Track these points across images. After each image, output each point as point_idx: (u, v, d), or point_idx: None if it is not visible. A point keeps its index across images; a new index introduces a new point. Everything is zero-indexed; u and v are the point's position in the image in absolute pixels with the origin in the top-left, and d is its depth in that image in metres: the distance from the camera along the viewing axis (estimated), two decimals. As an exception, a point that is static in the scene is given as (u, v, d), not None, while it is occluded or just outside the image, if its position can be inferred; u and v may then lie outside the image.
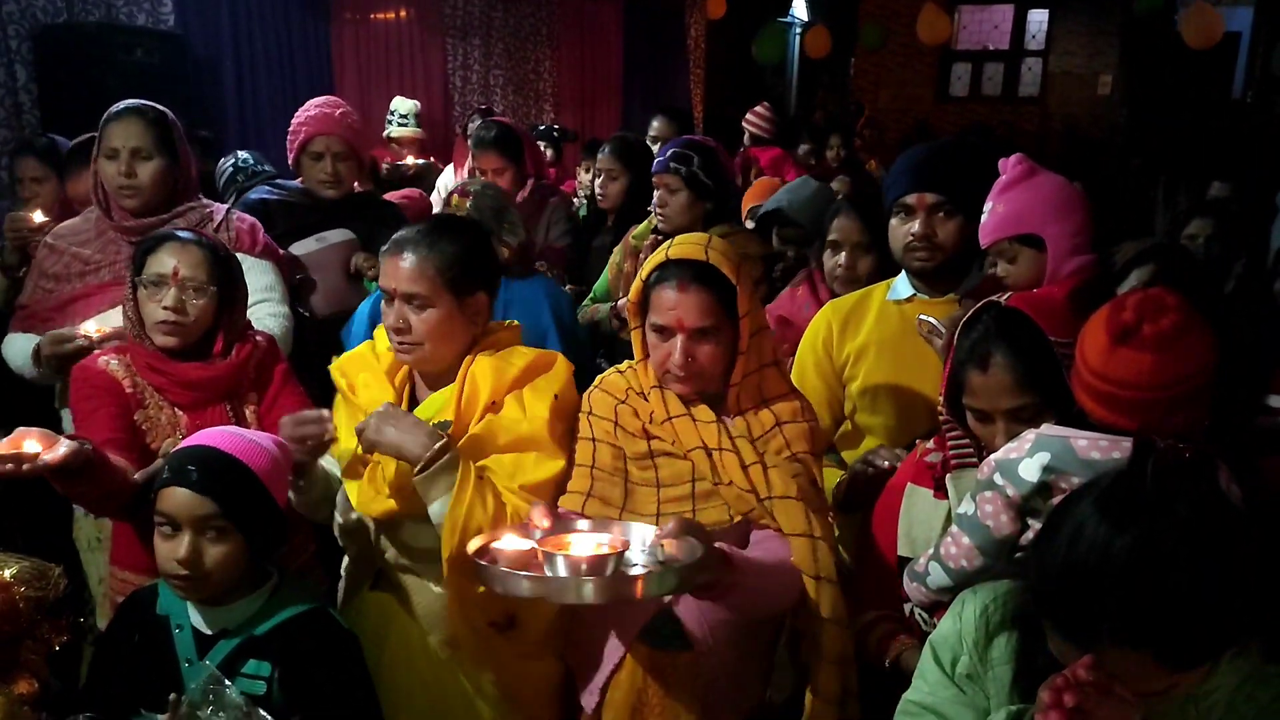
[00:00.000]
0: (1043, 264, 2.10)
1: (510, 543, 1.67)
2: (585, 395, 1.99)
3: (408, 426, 1.81)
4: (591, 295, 3.50)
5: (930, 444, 1.93)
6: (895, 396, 2.32)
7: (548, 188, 4.09)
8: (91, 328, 2.40)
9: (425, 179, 5.04)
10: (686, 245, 1.89)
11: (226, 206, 2.70)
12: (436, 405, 1.96)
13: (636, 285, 1.92)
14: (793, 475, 1.85)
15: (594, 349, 3.31)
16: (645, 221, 3.38)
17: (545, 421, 1.90)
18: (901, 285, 2.37)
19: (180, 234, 2.19)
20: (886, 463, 2.06)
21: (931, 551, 1.76)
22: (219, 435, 1.79)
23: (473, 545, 1.67)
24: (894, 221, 2.31)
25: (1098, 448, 1.53)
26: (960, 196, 2.23)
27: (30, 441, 1.76)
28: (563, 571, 1.54)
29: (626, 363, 2.02)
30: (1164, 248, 2.79)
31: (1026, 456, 1.59)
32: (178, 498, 1.69)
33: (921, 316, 2.19)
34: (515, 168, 3.68)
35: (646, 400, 1.93)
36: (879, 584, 1.93)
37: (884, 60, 11.84)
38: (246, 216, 2.74)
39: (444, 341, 1.96)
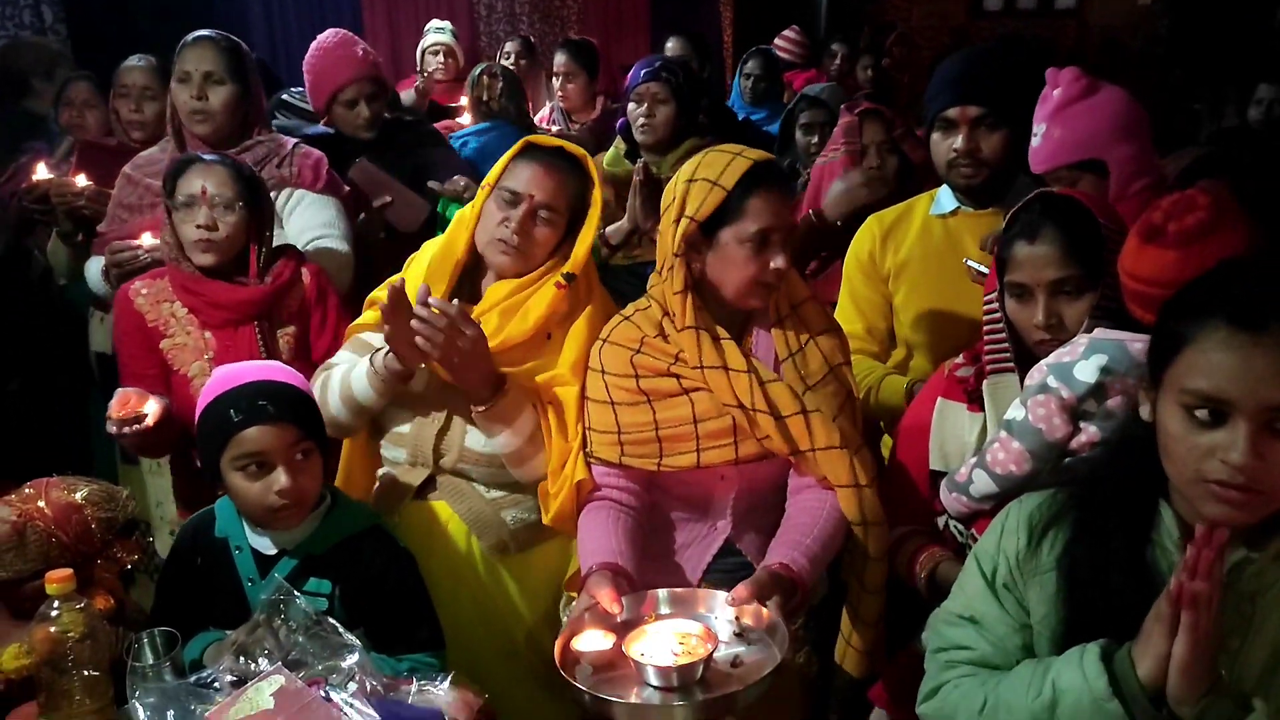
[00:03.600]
0: (1105, 189, 2.03)
1: (592, 640, 1.56)
2: (596, 350, 1.91)
3: (474, 361, 1.85)
4: None
5: (960, 359, 1.91)
6: (938, 313, 2.29)
7: (619, 112, 4.06)
8: (147, 239, 2.48)
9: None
10: (756, 151, 1.85)
11: (296, 140, 2.70)
12: (501, 293, 2.01)
13: (716, 197, 1.78)
14: (834, 416, 1.82)
15: None
16: (612, 148, 3.27)
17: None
18: (945, 198, 2.31)
19: (205, 156, 2.28)
20: None
21: (975, 460, 1.75)
22: (255, 369, 1.82)
23: (559, 643, 1.56)
24: (935, 136, 2.24)
25: None
26: (1004, 108, 2.15)
27: (151, 401, 2.02)
28: (654, 680, 1.47)
29: (634, 305, 1.94)
30: (1213, 156, 2.70)
31: (1082, 359, 1.60)
32: (263, 435, 1.71)
33: (968, 262, 2.14)
34: (585, 76, 3.69)
35: (667, 341, 1.86)
36: (908, 500, 1.92)
37: (916, -26, 11.50)
38: (314, 151, 2.72)
39: (547, 254, 2.03)
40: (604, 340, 1.91)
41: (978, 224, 2.25)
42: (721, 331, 1.84)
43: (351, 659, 1.50)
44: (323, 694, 1.43)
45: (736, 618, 1.60)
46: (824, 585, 1.95)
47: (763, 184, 1.78)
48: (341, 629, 1.53)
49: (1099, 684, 1.17)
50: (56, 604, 1.45)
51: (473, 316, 1.90)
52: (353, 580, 1.80)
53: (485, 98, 3.78)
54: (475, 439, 2.00)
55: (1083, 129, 2.01)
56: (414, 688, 1.53)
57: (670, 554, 1.92)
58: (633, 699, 1.46)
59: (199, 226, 2.19)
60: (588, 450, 1.90)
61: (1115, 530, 1.27)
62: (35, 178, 2.96)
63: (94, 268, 2.70)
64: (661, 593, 1.66)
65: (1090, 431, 1.62)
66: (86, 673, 1.45)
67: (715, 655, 1.51)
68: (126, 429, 2.01)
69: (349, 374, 1.98)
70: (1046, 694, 1.22)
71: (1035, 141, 2.07)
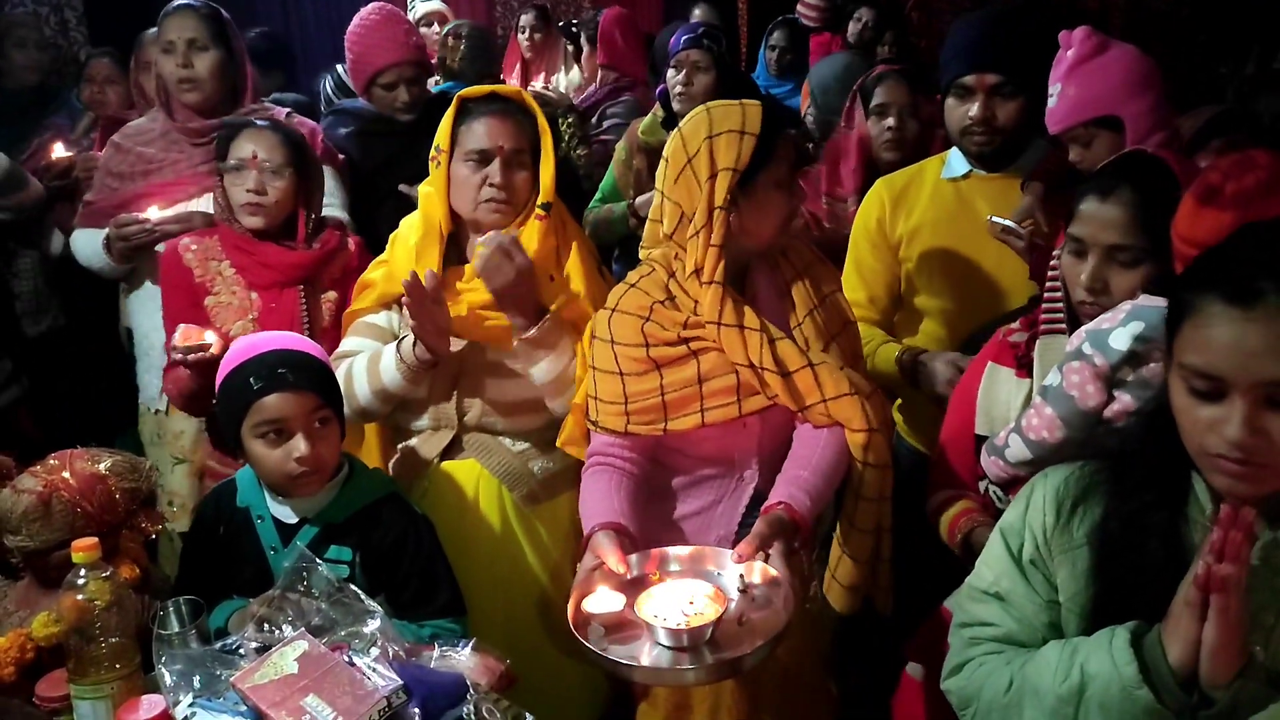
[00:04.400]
0: (1121, 145, 1.97)
1: (603, 601, 1.58)
2: (604, 320, 1.89)
3: (526, 287, 1.95)
4: (599, 196, 3.32)
5: (1017, 324, 1.87)
6: (953, 278, 2.26)
7: (627, 86, 4.02)
8: (154, 213, 2.49)
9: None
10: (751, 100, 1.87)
11: (288, 111, 2.71)
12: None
13: (749, 145, 1.78)
14: (841, 366, 1.83)
15: (606, 253, 3.16)
16: (650, 115, 3.24)
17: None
18: (956, 161, 2.28)
19: (258, 121, 2.33)
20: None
21: (1012, 425, 1.73)
22: (275, 339, 1.84)
23: (571, 603, 1.59)
24: (950, 101, 2.21)
25: None
26: (1022, 75, 2.12)
27: (209, 333, 2.10)
28: (664, 640, 1.50)
29: (637, 272, 1.95)
30: (1231, 113, 2.65)
31: (1119, 326, 1.55)
32: (282, 402, 1.73)
33: (992, 218, 2.10)
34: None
35: (676, 306, 1.86)
36: (954, 464, 1.91)
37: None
38: (307, 120, 2.75)
39: (528, 197, 2.07)
40: (613, 309, 1.89)
41: (990, 187, 2.23)
42: (733, 292, 1.84)
43: (373, 625, 1.52)
44: (346, 659, 1.45)
45: (743, 576, 1.61)
46: (831, 512, 1.95)
47: (780, 126, 1.83)
48: (363, 595, 1.54)
49: (1129, 670, 1.14)
50: (83, 573, 1.47)
51: (465, 277, 2.01)
52: (372, 547, 1.82)
53: (448, 60, 3.76)
54: (496, 389, 2.05)
55: (1096, 86, 1.97)
56: (436, 653, 1.54)
57: (701, 515, 1.93)
58: (644, 660, 1.48)
59: (249, 190, 2.25)
60: (593, 420, 1.91)
61: (1151, 504, 1.24)
62: (54, 155, 2.98)
63: (82, 239, 2.69)
64: (669, 551, 1.68)
65: (1125, 400, 1.57)
66: (114, 640, 1.47)
67: (726, 615, 1.53)
68: (191, 356, 2.08)
69: (377, 367, 2.01)
70: (1074, 678, 1.20)
71: (1051, 102, 2.03)
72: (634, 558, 1.66)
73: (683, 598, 1.55)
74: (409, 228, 2.14)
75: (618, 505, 1.76)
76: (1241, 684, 1.11)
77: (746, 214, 1.81)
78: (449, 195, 2.07)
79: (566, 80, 4.84)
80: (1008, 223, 2.06)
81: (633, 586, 1.61)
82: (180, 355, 2.10)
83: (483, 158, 2.03)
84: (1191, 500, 1.23)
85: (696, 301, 1.83)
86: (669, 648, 1.49)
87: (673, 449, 1.92)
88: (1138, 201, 1.64)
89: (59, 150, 3.00)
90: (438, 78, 3.88)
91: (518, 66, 4.92)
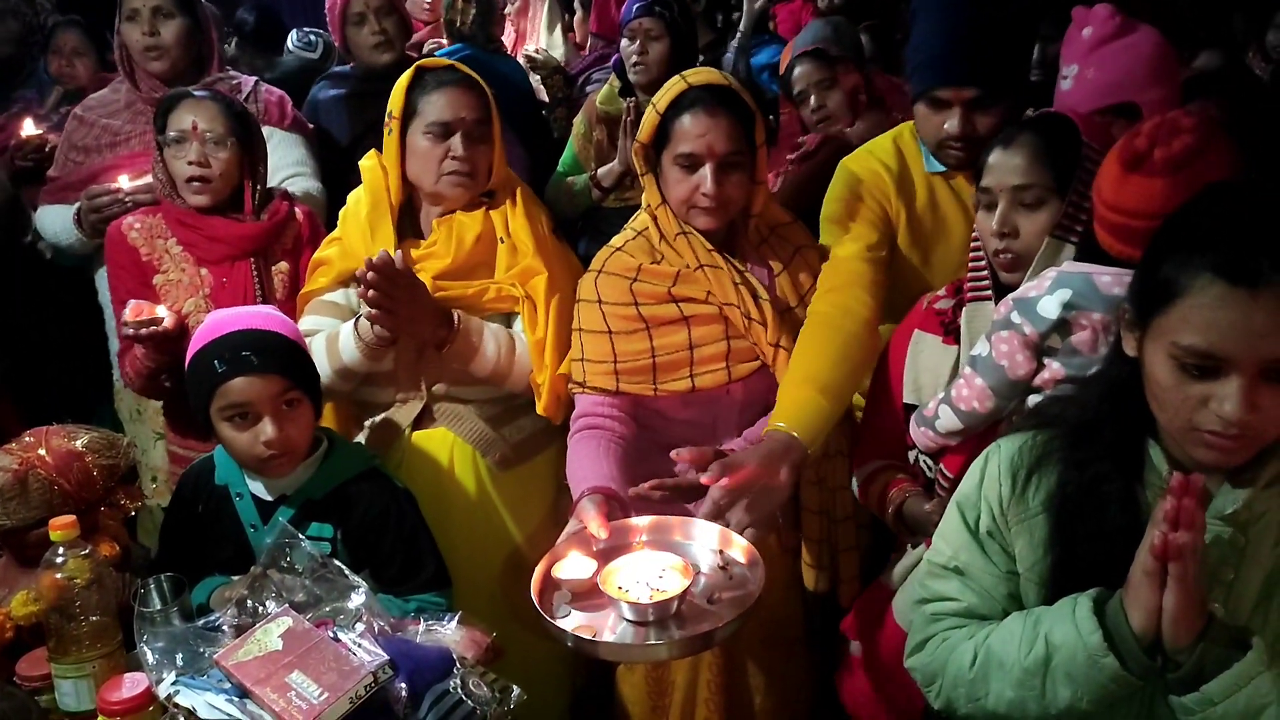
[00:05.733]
0: None
1: (575, 567, 1.56)
2: (590, 281, 1.94)
3: (418, 312, 1.91)
4: (560, 170, 3.21)
5: (942, 291, 1.87)
6: (917, 273, 2.10)
7: (614, 54, 3.99)
8: (125, 182, 2.43)
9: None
10: (704, 73, 1.89)
11: (255, 79, 2.67)
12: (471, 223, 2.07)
13: (651, 120, 1.88)
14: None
15: (571, 226, 3.10)
16: (606, 86, 3.19)
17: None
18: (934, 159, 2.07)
19: (195, 91, 2.25)
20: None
21: (941, 395, 1.72)
22: (244, 318, 1.80)
23: (539, 569, 1.55)
24: (923, 109, 1.99)
25: (1120, 283, 1.46)
26: (1001, 83, 1.94)
27: (161, 307, 2.04)
28: (629, 615, 1.46)
29: (621, 236, 1.98)
30: (1210, 74, 2.60)
31: (1046, 294, 1.54)
32: (247, 386, 1.70)
33: None
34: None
35: (664, 262, 1.90)
36: (885, 433, 1.90)
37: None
38: (275, 89, 2.71)
39: (489, 167, 2.08)
40: (599, 271, 1.92)
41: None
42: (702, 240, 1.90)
43: (358, 600, 1.51)
44: (330, 634, 1.44)
45: (720, 550, 1.60)
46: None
47: (689, 108, 1.84)
48: (347, 570, 1.53)
49: (1093, 639, 1.15)
50: (62, 551, 1.46)
51: (420, 248, 2.03)
52: (353, 523, 1.80)
53: (457, 21, 3.73)
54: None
55: (1119, 70, 1.87)
56: (422, 627, 1.54)
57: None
58: (607, 635, 1.46)
59: (191, 163, 2.18)
60: (579, 381, 1.92)
61: (1108, 471, 1.24)
62: (24, 134, 2.91)
63: (49, 215, 2.63)
64: (648, 520, 1.65)
65: (1054, 368, 1.57)
66: (94, 618, 1.45)
67: (693, 589, 1.50)
68: (144, 331, 2.03)
69: (336, 345, 2.00)
70: (1039, 649, 1.20)
71: (1065, 84, 1.91)
72: (615, 525, 1.63)
73: (652, 570, 1.53)
74: (356, 202, 2.12)
75: (606, 469, 1.76)
76: (1205, 646, 1.12)
77: (663, 186, 1.90)
78: (404, 166, 2.06)
79: (547, 43, 4.77)
80: None
81: (610, 555, 1.58)
82: (131, 331, 2.05)
83: (444, 130, 2.01)
84: (1148, 465, 1.24)
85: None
86: (634, 622, 1.47)
87: (654, 411, 1.92)
88: (1037, 143, 1.67)
89: (29, 128, 2.92)
90: (442, 40, 3.83)
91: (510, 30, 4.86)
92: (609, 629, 1.47)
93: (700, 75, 1.89)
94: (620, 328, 1.88)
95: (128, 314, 2.06)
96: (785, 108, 2.95)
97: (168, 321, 2.04)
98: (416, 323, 1.93)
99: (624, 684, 2.12)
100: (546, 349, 2.00)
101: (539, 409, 2.02)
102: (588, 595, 1.52)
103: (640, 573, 1.52)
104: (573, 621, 1.48)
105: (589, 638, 1.43)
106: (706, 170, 1.83)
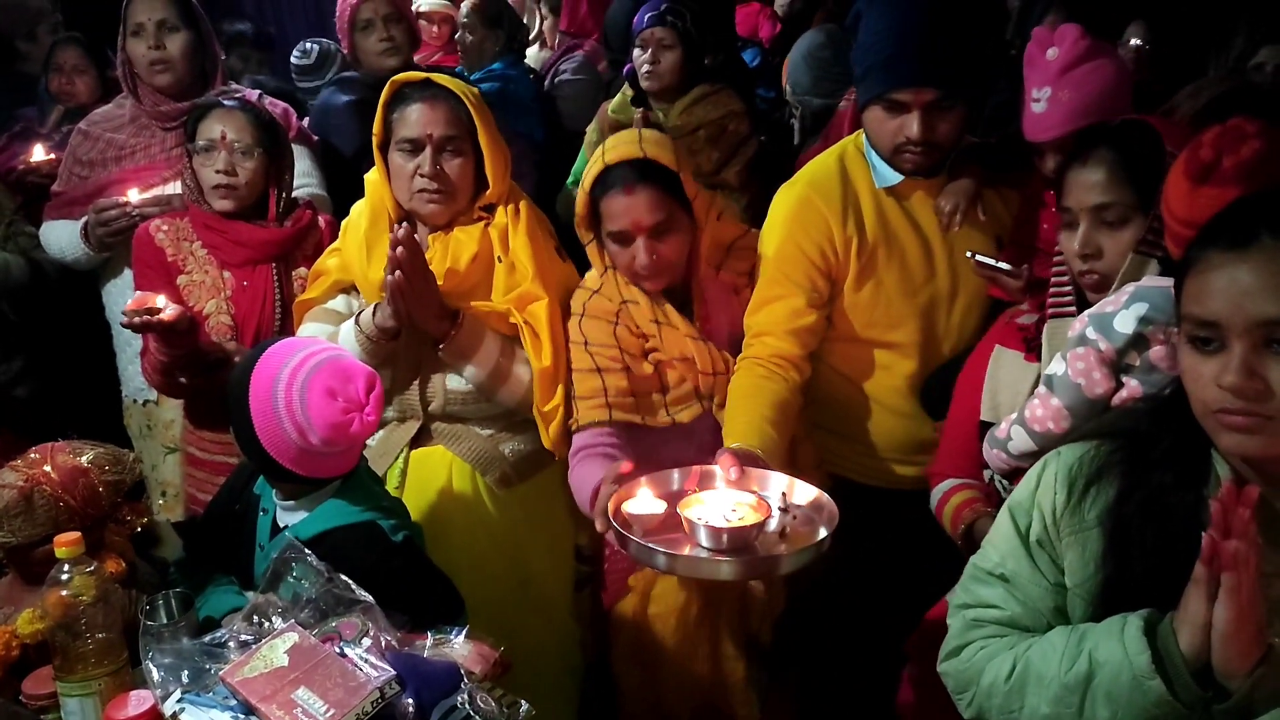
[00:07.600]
0: None
1: (643, 504, 1.59)
2: (575, 325, 1.99)
3: (423, 303, 1.91)
4: (571, 179, 3.22)
5: (1024, 305, 1.82)
6: (916, 305, 2.02)
7: (578, 46, 4.00)
8: (134, 195, 2.46)
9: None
10: (621, 147, 1.90)
11: (260, 93, 2.67)
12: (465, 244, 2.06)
13: (582, 199, 1.93)
14: None
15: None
16: (619, 94, 3.20)
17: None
18: (884, 170, 2.00)
19: (225, 101, 2.30)
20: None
21: (1015, 415, 1.67)
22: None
23: (610, 505, 1.59)
24: (877, 113, 1.92)
25: None
26: (960, 85, 1.88)
27: (161, 298, 2.05)
28: (705, 541, 1.48)
29: (595, 278, 2.03)
30: (1243, 87, 2.57)
31: (1122, 309, 1.50)
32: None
33: (977, 258, 1.90)
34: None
35: (637, 305, 1.97)
36: (959, 451, 1.86)
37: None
38: (279, 102, 2.72)
39: (469, 186, 2.06)
40: (582, 315, 2.00)
41: (931, 189, 2.02)
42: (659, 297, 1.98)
43: (364, 615, 1.49)
44: (337, 650, 1.43)
45: (785, 494, 1.61)
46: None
47: (611, 187, 1.89)
48: (354, 585, 1.52)
49: (1141, 659, 1.09)
50: (67, 568, 1.45)
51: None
52: (341, 570, 1.64)
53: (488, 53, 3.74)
54: (455, 380, 2.05)
55: (1093, 90, 1.83)
56: (429, 641, 1.52)
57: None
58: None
59: (218, 171, 2.23)
60: (575, 420, 1.95)
61: (1169, 485, 1.19)
62: (33, 160, 2.91)
63: (54, 231, 2.64)
64: (716, 468, 1.65)
65: (1132, 386, 1.52)
66: (100, 635, 1.45)
67: (768, 525, 1.53)
68: (138, 320, 2.04)
69: (338, 341, 1.99)
70: (1082, 666, 1.15)
71: (1039, 107, 1.85)
72: (678, 472, 1.66)
73: (726, 505, 1.55)
74: (358, 215, 2.13)
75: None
76: (1262, 673, 1.05)
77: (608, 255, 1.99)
78: (389, 185, 2.06)
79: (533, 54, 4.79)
80: (987, 260, 1.90)
81: (675, 498, 1.60)
82: (127, 319, 2.06)
83: (414, 146, 2.00)
84: (1212, 481, 1.19)
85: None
86: (709, 549, 1.49)
87: (647, 444, 1.96)
88: (1115, 158, 1.62)
89: (39, 154, 2.92)
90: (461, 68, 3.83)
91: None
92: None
93: (618, 150, 1.90)
94: (608, 366, 1.95)
95: (129, 304, 2.08)
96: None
97: (166, 313, 2.04)
98: (423, 308, 1.92)
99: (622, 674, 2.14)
100: (551, 377, 1.99)
101: (546, 443, 2.02)
102: (655, 532, 1.55)
103: (715, 508, 1.55)
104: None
105: (664, 549, 1.46)
106: (639, 244, 1.89)
